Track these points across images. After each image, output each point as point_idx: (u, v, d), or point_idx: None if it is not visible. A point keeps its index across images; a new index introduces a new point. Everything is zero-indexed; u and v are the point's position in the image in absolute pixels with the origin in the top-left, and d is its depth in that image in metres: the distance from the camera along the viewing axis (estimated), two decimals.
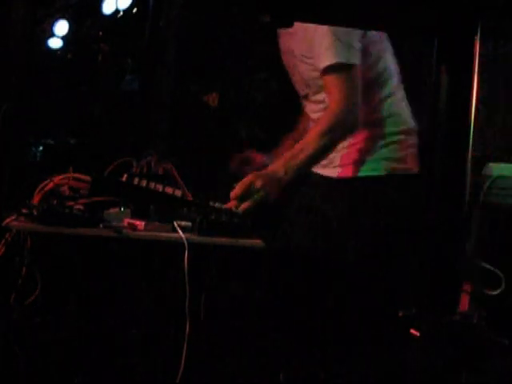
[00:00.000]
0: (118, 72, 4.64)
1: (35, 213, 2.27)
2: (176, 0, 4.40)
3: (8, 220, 2.25)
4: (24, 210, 2.32)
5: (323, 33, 2.37)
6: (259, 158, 2.81)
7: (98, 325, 2.54)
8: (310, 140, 2.38)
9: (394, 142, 2.53)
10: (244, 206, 2.31)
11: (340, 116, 2.37)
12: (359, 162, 2.52)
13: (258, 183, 2.32)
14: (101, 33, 4.50)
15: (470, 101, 1.31)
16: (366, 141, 2.52)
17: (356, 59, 2.39)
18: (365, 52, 2.48)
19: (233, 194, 2.33)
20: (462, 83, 1.31)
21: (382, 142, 2.52)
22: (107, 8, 4.35)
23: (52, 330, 2.46)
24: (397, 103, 2.59)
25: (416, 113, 2.71)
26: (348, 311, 2.57)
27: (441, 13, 1.30)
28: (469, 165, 1.33)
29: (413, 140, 2.59)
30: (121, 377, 2.53)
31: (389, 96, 2.57)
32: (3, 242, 2.28)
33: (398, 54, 3.53)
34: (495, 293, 2.75)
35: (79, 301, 2.52)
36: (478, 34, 1.30)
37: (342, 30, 2.34)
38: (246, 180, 2.33)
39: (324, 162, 2.59)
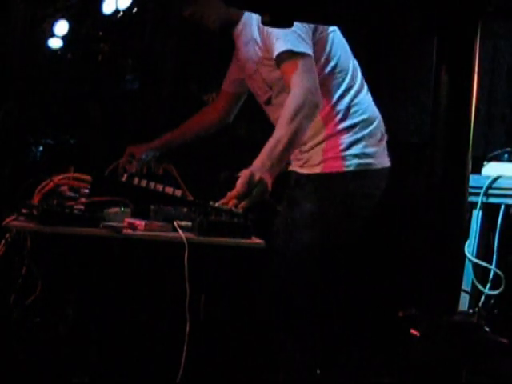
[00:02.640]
0: (118, 72, 4.64)
1: (35, 213, 2.26)
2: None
3: (8, 220, 2.25)
4: (24, 210, 2.32)
5: (272, 29, 2.47)
6: (140, 149, 2.95)
7: (97, 325, 2.54)
8: (281, 129, 2.44)
9: (363, 138, 2.59)
10: (244, 203, 2.32)
11: (301, 97, 2.43)
12: (333, 159, 2.59)
13: (256, 178, 2.34)
14: (101, 33, 4.49)
15: (470, 101, 1.31)
16: (335, 136, 2.61)
17: (306, 49, 2.48)
18: (319, 47, 2.57)
19: (234, 192, 2.34)
20: (462, 83, 1.31)
21: (351, 138, 2.58)
22: (107, 8, 4.34)
23: (52, 330, 2.46)
24: (357, 94, 2.67)
25: (416, 113, 2.72)
26: (346, 308, 2.58)
27: (441, 13, 1.30)
28: (469, 165, 1.33)
29: (379, 130, 2.69)
30: (121, 377, 2.53)
31: (349, 88, 2.65)
32: (3, 242, 2.28)
33: (398, 54, 3.54)
34: (495, 293, 2.74)
35: (79, 301, 2.52)
36: (478, 34, 1.30)
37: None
38: (245, 178, 2.34)
39: (300, 163, 2.69)
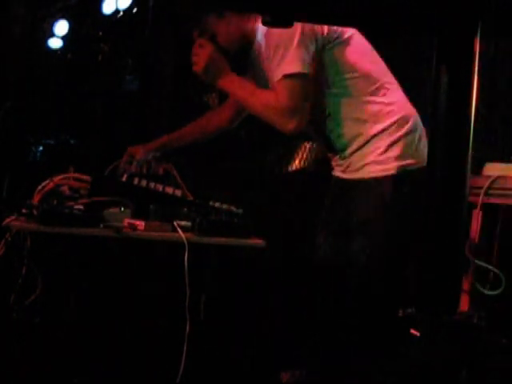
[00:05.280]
0: (118, 72, 4.64)
1: (35, 213, 2.27)
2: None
3: (8, 220, 2.25)
4: (24, 210, 2.32)
5: (276, 48, 2.51)
6: (140, 150, 2.94)
7: (97, 325, 2.54)
8: (258, 94, 2.58)
9: (401, 138, 2.58)
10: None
11: (275, 106, 2.52)
12: (374, 164, 2.58)
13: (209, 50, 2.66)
14: (101, 33, 4.50)
15: (470, 101, 1.31)
16: (373, 140, 2.59)
17: (299, 67, 2.49)
18: (336, 54, 2.57)
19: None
20: (461, 83, 1.31)
21: (389, 139, 2.57)
22: (107, 8, 4.35)
23: (52, 330, 2.46)
24: (387, 94, 2.64)
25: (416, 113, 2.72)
26: (354, 312, 2.57)
27: (441, 13, 1.30)
28: (469, 165, 1.33)
29: (416, 127, 2.65)
30: (121, 377, 2.53)
31: (378, 89, 2.62)
32: (3, 242, 2.28)
33: (398, 55, 3.53)
34: (495, 293, 2.74)
35: (79, 301, 2.52)
36: (478, 34, 1.30)
37: (294, 40, 2.46)
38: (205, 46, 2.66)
39: (341, 168, 2.68)
